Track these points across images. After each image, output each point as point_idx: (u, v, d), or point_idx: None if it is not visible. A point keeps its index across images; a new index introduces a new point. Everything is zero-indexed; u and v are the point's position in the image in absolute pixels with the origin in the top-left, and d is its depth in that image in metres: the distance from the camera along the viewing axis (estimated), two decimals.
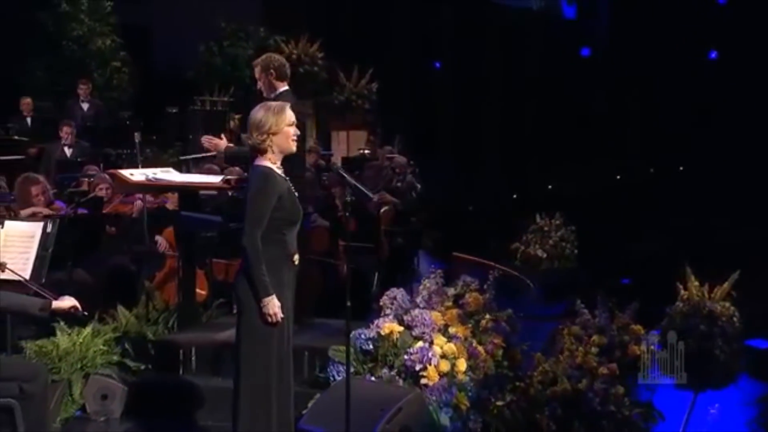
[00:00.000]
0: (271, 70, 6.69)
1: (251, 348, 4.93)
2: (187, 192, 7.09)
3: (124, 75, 15.62)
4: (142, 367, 6.62)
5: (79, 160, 10.83)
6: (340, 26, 16.62)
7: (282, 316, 4.87)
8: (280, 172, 5.01)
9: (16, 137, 12.73)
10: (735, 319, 7.30)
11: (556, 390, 6.01)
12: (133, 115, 14.54)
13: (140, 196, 7.90)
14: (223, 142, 6.55)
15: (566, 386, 6.01)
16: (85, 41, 15.19)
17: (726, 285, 7.26)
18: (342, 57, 15.51)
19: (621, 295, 7.08)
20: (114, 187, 7.88)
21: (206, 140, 6.68)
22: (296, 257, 5.03)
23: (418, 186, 10.79)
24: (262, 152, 4.97)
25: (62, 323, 6.55)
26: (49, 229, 5.86)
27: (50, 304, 5.15)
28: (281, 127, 4.97)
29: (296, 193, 5.07)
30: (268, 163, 4.97)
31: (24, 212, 7.25)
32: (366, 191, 5.64)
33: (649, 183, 18.08)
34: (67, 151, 11.54)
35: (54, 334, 6.49)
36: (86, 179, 9.03)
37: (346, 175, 5.19)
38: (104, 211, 8.31)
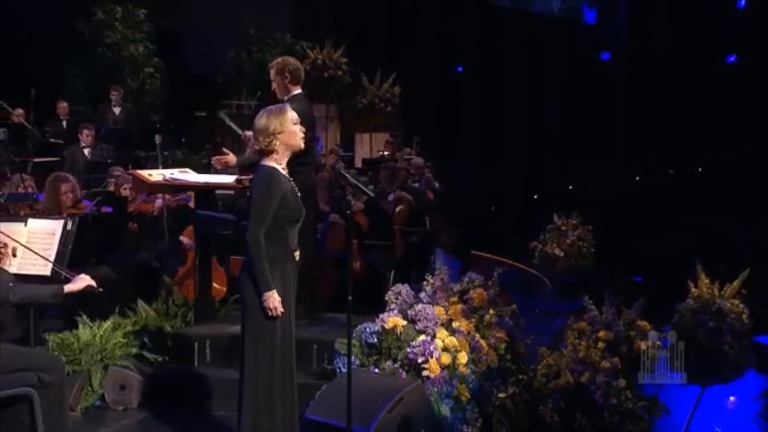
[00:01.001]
0: (286, 73, 6.75)
1: (254, 341, 4.99)
2: (202, 191, 7.18)
3: (157, 80, 15.80)
4: (160, 359, 6.73)
5: (109, 161, 10.96)
6: (365, 32, 16.67)
7: (282, 310, 4.92)
8: (284, 172, 5.06)
9: (52, 140, 12.91)
10: (744, 316, 7.26)
11: (559, 383, 5.99)
12: (163, 118, 14.69)
13: (160, 195, 8.00)
14: (231, 157, 6.60)
15: (569, 379, 5.99)
16: (119, 48, 15.38)
17: (736, 283, 7.22)
18: (366, 62, 15.56)
19: (636, 293, 7.07)
20: (133, 186, 7.99)
21: (216, 161, 6.75)
22: (297, 253, 5.08)
23: (436, 184, 10.81)
24: (270, 153, 5.03)
25: (84, 317, 6.69)
26: (69, 227, 5.95)
27: (63, 290, 5.24)
28: (286, 126, 5.02)
29: (299, 193, 5.13)
30: (273, 164, 5.02)
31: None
32: (366, 190, 5.69)
33: (668, 183, 18.01)
34: (87, 153, 11.67)
35: (77, 328, 6.61)
36: (113, 180, 9.15)
37: (347, 175, 5.24)
38: (129, 210, 8.42)
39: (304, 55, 15.22)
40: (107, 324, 6.62)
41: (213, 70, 16.08)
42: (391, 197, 9.65)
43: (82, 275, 5.32)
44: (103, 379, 6.45)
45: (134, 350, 6.66)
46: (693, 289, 7.21)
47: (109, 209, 7.85)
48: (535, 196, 17.94)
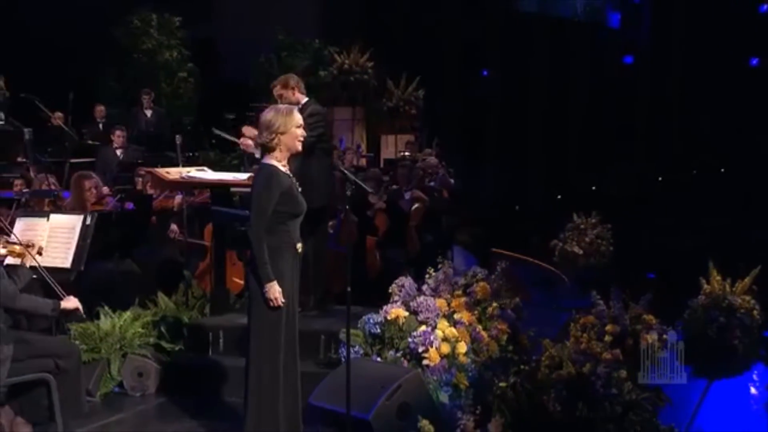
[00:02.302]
0: (292, 86, 7.00)
1: (259, 330, 5.09)
2: (219, 189, 7.33)
3: (190, 84, 16.01)
4: (176, 348, 6.89)
5: (139, 162, 11.15)
6: (391, 37, 16.75)
7: (284, 300, 5.02)
8: (285, 170, 5.16)
9: (89, 141, 13.16)
10: (755, 311, 7.26)
11: (561, 373, 6.04)
12: (194, 120, 14.89)
13: (180, 192, 8.17)
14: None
15: (570, 370, 6.04)
16: (154, 54, 15.63)
17: (747, 279, 7.22)
18: (391, 66, 15.63)
19: (650, 290, 7.10)
20: (152, 183, 8.16)
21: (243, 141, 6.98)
22: (299, 245, 5.18)
23: (452, 181, 10.88)
24: (270, 150, 5.14)
25: (106, 308, 6.86)
26: (88, 221, 6.12)
27: (59, 305, 5.42)
28: (289, 127, 5.12)
29: (299, 188, 5.22)
30: (274, 162, 5.13)
31: None
32: (366, 187, 5.81)
33: (690, 184, 17.91)
34: (119, 154, 11.88)
35: (99, 318, 6.78)
36: (140, 179, 9.34)
37: (347, 173, 5.34)
38: (153, 205, 8.60)
39: (331, 59, 15.36)
40: (127, 315, 6.80)
41: (244, 75, 16.23)
42: (407, 195, 9.74)
43: (73, 297, 5.50)
44: (122, 367, 6.64)
45: (152, 340, 6.83)
46: (705, 286, 7.24)
47: (131, 206, 8.02)
48: (559, 196, 17.90)
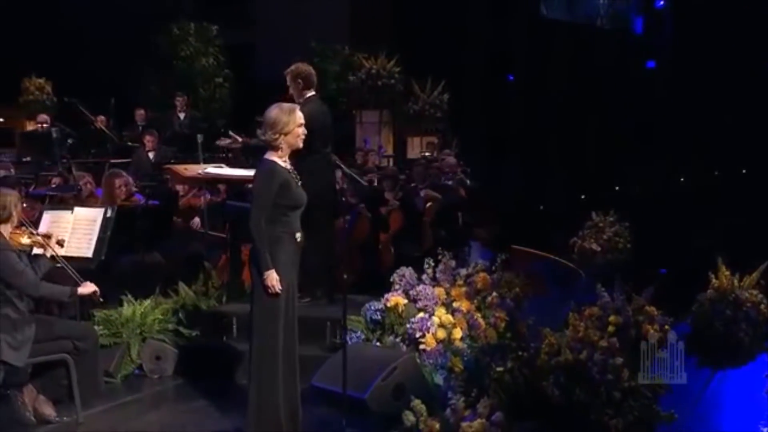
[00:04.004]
0: (299, 80, 7.08)
1: (261, 315, 5.20)
2: (236, 184, 7.50)
3: (226, 89, 16.27)
4: (193, 333, 7.07)
5: (171, 162, 11.36)
6: (419, 43, 16.83)
7: (281, 288, 5.12)
8: (285, 165, 5.28)
9: (129, 143, 13.45)
10: (762, 305, 7.26)
11: (559, 360, 6.11)
12: (227, 123, 15.12)
13: (206, 190, 8.34)
14: (240, 140, 7.04)
15: (568, 356, 6.11)
16: (191, 60, 15.92)
17: (755, 274, 7.22)
18: (418, 70, 15.70)
19: (660, 285, 7.13)
20: (173, 180, 8.34)
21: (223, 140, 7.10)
22: (299, 235, 5.30)
23: (468, 182, 10.96)
24: (274, 149, 5.28)
25: (129, 296, 7.06)
26: (108, 214, 6.32)
27: (76, 291, 5.63)
28: (292, 127, 5.24)
29: (299, 182, 5.35)
30: (275, 158, 5.24)
31: None
32: (360, 180, 5.94)
33: (713, 184, 17.80)
34: (151, 156, 12.14)
35: (121, 305, 6.99)
36: (169, 177, 9.54)
37: (343, 167, 5.47)
38: (180, 203, 8.79)
39: (359, 65, 15.49)
40: (147, 302, 7.00)
41: (277, 80, 16.40)
42: (422, 193, 9.85)
43: (90, 283, 5.69)
44: (141, 351, 6.83)
45: (171, 326, 7.02)
46: (713, 280, 7.27)
47: (155, 202, 8.21)
48: (582, 197, 17.87)
